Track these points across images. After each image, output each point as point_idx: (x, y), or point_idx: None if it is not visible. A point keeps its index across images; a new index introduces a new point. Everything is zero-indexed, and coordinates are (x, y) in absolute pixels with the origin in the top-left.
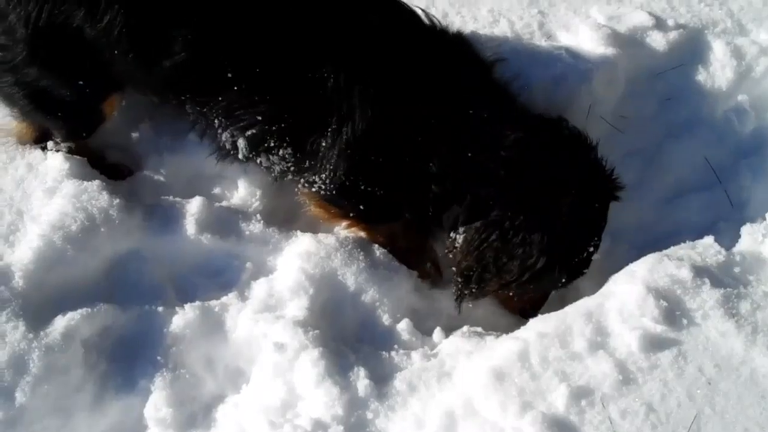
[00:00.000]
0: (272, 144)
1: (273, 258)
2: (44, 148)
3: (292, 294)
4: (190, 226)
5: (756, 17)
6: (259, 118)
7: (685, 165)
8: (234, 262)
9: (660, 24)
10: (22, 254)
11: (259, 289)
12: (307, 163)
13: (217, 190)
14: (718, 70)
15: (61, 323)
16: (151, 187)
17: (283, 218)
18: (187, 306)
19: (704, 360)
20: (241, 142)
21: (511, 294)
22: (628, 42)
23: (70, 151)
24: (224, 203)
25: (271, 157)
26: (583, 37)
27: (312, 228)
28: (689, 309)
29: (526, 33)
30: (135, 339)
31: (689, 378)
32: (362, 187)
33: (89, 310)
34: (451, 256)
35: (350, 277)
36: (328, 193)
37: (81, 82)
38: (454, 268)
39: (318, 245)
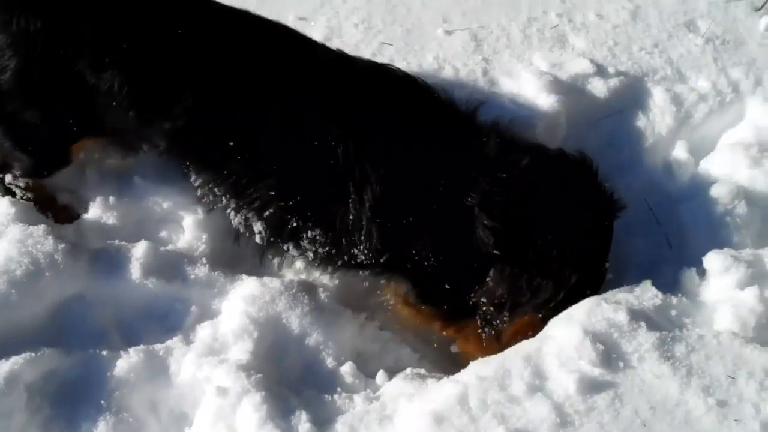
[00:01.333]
0: (295, 224)
1: (218, 301)
2: (1, 181)
3: (236, 337)
4: (135, 270)
5: (695, 65)
6: (272, 193)
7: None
8: (179, 306)
9: (601, 71)
10: None
11: (203, 332)
12: (344, 241)
13: (163, 234)
14: (657, 117)
15: (4, 368)
16: (97, 231)
17: (229, 262)
18: (132, 350)
19: (640, 402)
20: (258, 225)
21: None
22: (569, 89)
23: (27, 188)
24: (170, 247)
25: (301, 243)
26: (526, 83)
27: (257, 272)
28: (625, 352)
29: (470, 79)
30: (79, 383)
31: (625, 420)
32: (408, 253)
33: (33, 354)
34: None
35: (295, 320)
36: (373, 265)
37: (68, 122)
38: (483, 299)
39: (263, 289)
